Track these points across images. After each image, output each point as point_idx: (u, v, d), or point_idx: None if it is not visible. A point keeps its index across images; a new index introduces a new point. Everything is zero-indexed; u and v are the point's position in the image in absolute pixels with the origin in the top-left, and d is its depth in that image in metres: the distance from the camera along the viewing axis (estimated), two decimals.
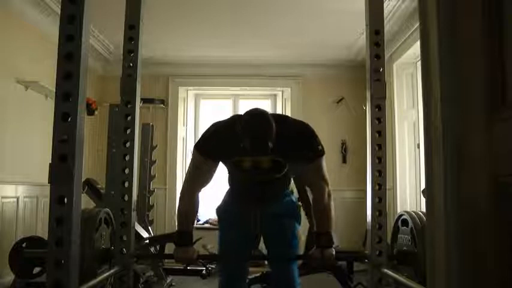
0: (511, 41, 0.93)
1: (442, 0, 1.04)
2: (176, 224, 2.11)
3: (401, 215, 2.35)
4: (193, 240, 2.14)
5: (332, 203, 2.04)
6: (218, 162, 2.06)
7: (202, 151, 2.02)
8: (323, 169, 2.04)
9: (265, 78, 5.97)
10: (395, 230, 2.39)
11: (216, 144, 2.01)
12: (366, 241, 2.42)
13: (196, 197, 2.05)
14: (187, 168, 2.35)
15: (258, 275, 3.15)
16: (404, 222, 2.29)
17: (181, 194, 2.09)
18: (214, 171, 2.07)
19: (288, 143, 1.93)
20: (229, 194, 2.29)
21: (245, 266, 2.26)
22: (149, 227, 4.43)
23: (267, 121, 1.85)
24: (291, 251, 2.20)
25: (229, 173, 2.20)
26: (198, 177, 2.05)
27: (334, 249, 2.05)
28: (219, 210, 2.30)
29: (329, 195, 2.03)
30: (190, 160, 2.13)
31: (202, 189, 2.08)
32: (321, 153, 2.01)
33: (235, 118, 2.05)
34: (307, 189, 2.19)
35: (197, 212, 2.11)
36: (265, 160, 1.97)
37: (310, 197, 2.11)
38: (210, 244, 3.67)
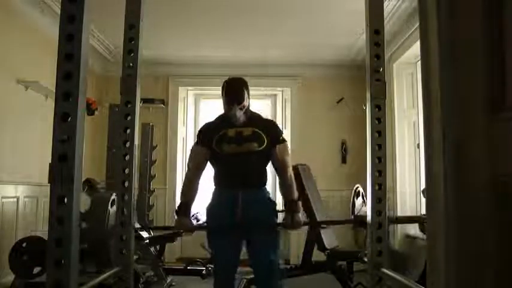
0: (511, 41, 0.93)
1: (442, 1, 1.04)
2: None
3: (356, 187, 3.22)
4: (191, 214, 2.61)
5: (294, 181, 2.61)
6: (211, 147, 2.51)
7: (199, 142, 2.60)
8: (289, 153, 2.61)
9: (265, 78, 5.94)
10: (353, 201, 3.39)
11: (206, 131, 2.61)
12: (366, 241, 2.42)
13: (197, 179, 2.56)
14: (186, 167, 2.79)
15: None
16: (358, 194, 2.76)
17: (185, 177, 2.62)
18: (208, 158, 2.56)
19: (262, 124, 2.60)
20: (214, 192, 2.59)
21: (236, 267, 2.56)
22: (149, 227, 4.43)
23: (239, 80, 2.68)
24: (272, 243, 2.55)
25: (216, 159, 2.54)
26: (197, 163, 2.58)
27: (301, 216, 2.58)
28: (208, 212, 2.60)
29: (291, 175, 2.59)
30: (189, 156, 2.67)
31: (201, 175, 2.57)
32: (285, 140, 2.61)
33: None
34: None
35: (197, 191, 2.57)
36: (247, 130, 2.52)
37: (279, 175, 2.61)
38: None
